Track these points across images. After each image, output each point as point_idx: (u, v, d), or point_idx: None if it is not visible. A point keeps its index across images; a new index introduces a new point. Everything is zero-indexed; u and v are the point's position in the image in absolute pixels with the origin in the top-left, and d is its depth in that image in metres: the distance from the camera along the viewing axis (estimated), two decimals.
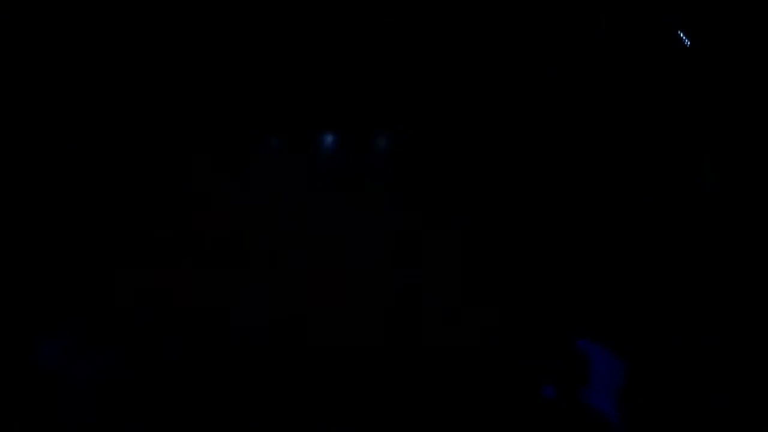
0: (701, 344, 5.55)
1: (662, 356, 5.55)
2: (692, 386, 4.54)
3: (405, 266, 6.19)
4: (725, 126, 5.29)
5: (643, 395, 4.47)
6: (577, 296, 5.97)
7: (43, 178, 6.04)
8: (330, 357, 5.76)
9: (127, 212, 6.05)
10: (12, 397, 4.39)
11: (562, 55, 5.65)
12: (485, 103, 6.18)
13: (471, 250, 6.84)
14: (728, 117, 5.25)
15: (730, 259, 5.43)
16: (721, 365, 4.48)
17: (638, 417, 4.10)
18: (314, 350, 5.78)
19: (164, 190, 6.11)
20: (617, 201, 6.58)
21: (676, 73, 5.42)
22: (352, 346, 5.76)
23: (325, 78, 5.95)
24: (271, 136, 6.27)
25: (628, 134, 6.19)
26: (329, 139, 6.24)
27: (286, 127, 6.24)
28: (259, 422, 5.03)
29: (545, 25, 5.54)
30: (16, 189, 5.98)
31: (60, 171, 6.07)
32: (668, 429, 3.60)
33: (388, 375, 5.55)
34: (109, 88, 6.02)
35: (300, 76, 5.97)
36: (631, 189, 6.51)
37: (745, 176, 5.31)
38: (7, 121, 5.94)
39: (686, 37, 5.28)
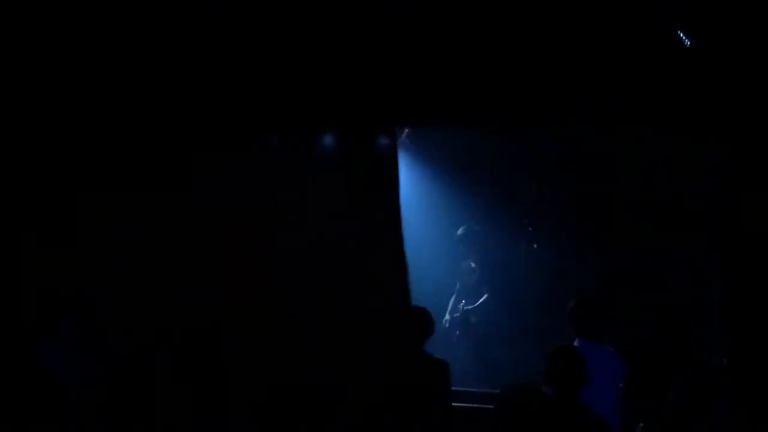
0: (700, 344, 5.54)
1: (661, 357, 5.55)
2: (691, 387, 4.54)
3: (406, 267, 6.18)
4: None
5: (642, 395, 4.48)
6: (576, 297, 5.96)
7: (43, 181, 6.05)
8: (329, 360, 5.75)
9: (122, 213, 6.04)
10: (13, 397, 4.40)
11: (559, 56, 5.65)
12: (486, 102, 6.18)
13: (471, 250, 6.83)
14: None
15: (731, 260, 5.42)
16: (722, 367, 4.48)
17: (638, 417, 4.11)
18: (312, 353, 5.77)
19: (162, 190, 6.10)
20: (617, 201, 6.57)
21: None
22: (351, 348, 5.75)
23: (326, 77, 5.94)
24: (271, 136, 6.25)
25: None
26: (329, 139, 6.22)
27: (286, 127, 6.22)
28: (256, 420, 5.03)
29: (546, 27, 5.54)
30: (15, 192, 5.98)
31: (60, 172, 6.08)
32: (667, 429, 3.61)
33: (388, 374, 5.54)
34: (108, 89, 6.02)
35: (300, 76, 5.96)
36: (632, 189, 6.51)
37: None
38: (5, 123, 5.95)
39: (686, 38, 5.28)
